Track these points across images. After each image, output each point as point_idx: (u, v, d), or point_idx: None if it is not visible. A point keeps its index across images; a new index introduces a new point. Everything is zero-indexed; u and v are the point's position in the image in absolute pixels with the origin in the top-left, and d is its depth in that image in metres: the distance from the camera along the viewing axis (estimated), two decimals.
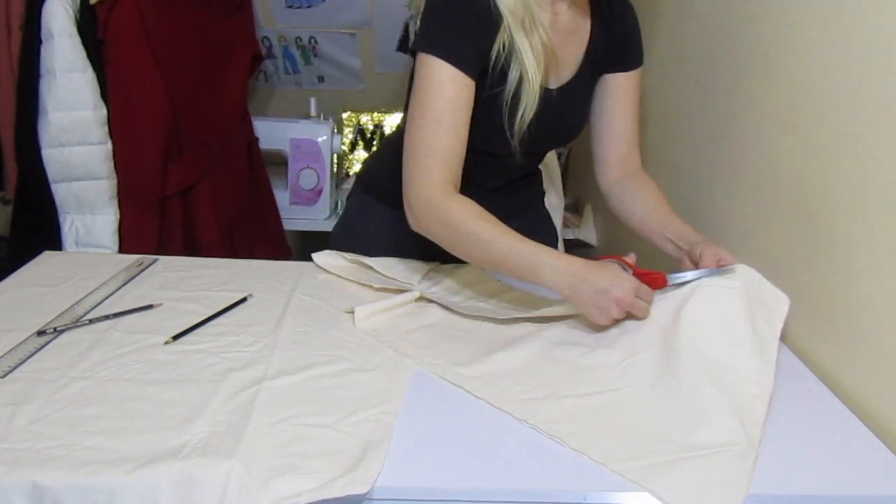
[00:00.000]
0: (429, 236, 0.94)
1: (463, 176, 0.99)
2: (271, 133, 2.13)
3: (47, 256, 1.15)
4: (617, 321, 0.89)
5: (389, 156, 1.18)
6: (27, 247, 1.21)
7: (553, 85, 1.03)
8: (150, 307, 0.98)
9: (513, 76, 0.95)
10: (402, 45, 2.39)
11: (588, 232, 2.12)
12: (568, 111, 1.06)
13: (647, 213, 1.07)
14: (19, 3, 1.43)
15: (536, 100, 0.95)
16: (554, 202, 1.81)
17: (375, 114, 2.49)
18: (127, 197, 1.54)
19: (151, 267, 1.12)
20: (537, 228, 1.28)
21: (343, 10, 2.29)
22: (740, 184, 1.17)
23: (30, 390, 0.77)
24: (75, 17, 1.39)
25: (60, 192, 1.49)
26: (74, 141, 1.44)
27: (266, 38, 2.38)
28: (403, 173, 0.94)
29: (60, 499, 0.64)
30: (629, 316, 0.89)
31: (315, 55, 2.44)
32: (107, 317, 0.94)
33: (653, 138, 1.64)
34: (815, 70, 0.97)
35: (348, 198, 1.32)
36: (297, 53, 2.44)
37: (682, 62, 1.48)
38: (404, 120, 1.16)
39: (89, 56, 1.42)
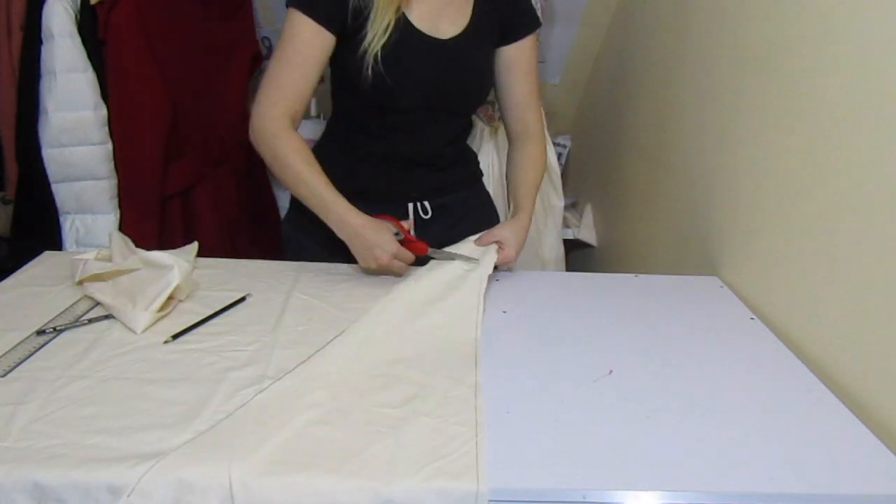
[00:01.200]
0: (261, 156, 1.09)
1: (377, 145, 1.15)
2: None
3: (47, 256, 1.15)
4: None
5: (325, 141, 1.26)
6: (27, 247, 1.21)
7: (445, 36, 1.10)
8: None
9: (372, 11, 1.04)
10: None
11: (588, 232, 2.13)
12: (463, 63, 1.13)
13: (511, 174, 1.24)
14: (20, 3, 1.43)
15: (390, 30, 1.04)
16: (554, 202, 1.82)
17: None
18: (127, 197, 1.54)
19: None
20: (472, 205, 1.29)
21: None
22: (740, 184, 1.18)
23: (30, 389, 0.78)
24: (76, 17, 1.39)
25: (61, 192, 1.49)
26: (75, 141, 1.44)
27: (266, 38, 2.38)
28: (256, 101, 1.07)
29: (62, 497, 0.65)
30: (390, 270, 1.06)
31: None
32: (106, 316, 0.94)
33: (653, 138, 1.65)
34: (814, 70, 0.97)
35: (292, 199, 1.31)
36: None
37: (681, 62, 1.48)
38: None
39: (90, 56, 1.42)
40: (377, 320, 0.95)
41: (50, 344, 0.88)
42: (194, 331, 0.93)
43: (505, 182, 1.25)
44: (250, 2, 2.05)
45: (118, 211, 1.53)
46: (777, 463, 0.71)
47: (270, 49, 2.40)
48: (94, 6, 1.41)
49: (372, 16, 1.03)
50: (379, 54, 1.04)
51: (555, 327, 0.98)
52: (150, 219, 1.60)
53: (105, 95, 1.46)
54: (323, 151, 1.20)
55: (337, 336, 0.91)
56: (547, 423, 0.77)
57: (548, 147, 1.77)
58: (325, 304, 1.02)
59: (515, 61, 1.17)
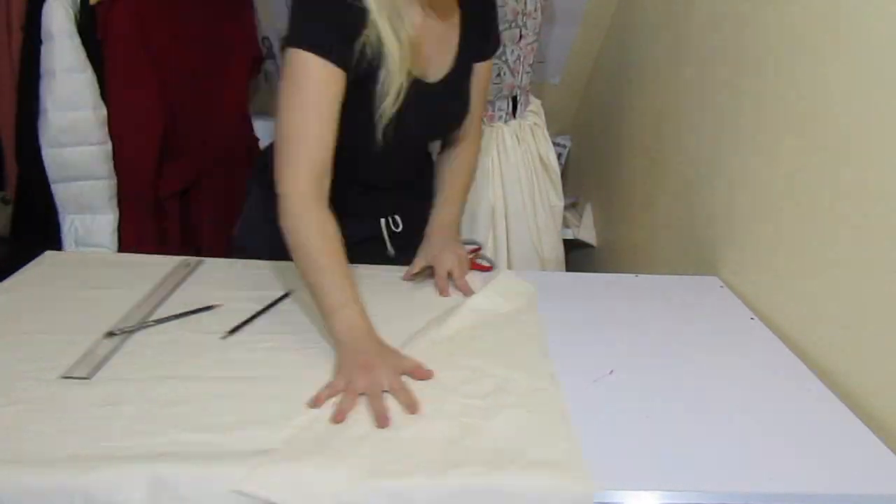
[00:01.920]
0: (282, 228, 0.94)
1: (355, 175, 1.05)
2: (271, 133, 2.12)
3: (48, 256, 1.15)
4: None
5: None
6: (27, 247, 1.21)
7: (432, 79, 1.05)
8: (210, 308, 0.98)
9: (383, 72, 0.96)
10: None
11: (588, 232, 2.12)
12: (451, 102, 1.11)
13: (447, 172, 1.20)
14: (20, 3, 1.43)
15: (402, 94, 0.98)
16: (554, 202, 1.82)
17: None
18: (126, 197, 1.55)
19: (199, 268, 1.13)
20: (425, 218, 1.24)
21: None
22: (740, 184, 1.18)
23: (119, 391, 0.78)
24: (75, 17, 1.39)
25: (60, 192, 1.49)
26: (74, 141, 1.44)
27: (266, 38, 2.38)
28: (276, 163, 0.94)
29: (182, 493, 0.65)
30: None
31: None
32: (175, 316, 0.95)
33: (653, 139, 1.65)
34: (814, 70, 0.97)
35: (248, 193, 1.29)
36: None
37: (681, 62, 1.48)
38: None
39: (89, 56, 1.42)
40: (442, 325, 0.95)
41: (125, 346, 0.88)
42: (246, 329, 0.94)
43: (443, 169, 1.21)
44: (251, 2, 2.05)
45: (117, 211, 1.54)
46: (777, 463, 0.71)
47: (271, 49, 2.40)
48: (93, 6, 1.41)
49: (385, 79, 0.96)
50: (395, 113, 0.99)
51: (555, 327, 0.98)
52: (149, 219, 1.60)
53: (104, 95, 1.46)
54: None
55: (409, 339, 0.92)
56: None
57: (548, 147, 1.78)
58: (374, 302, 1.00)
59: (479, 77, 1.15)
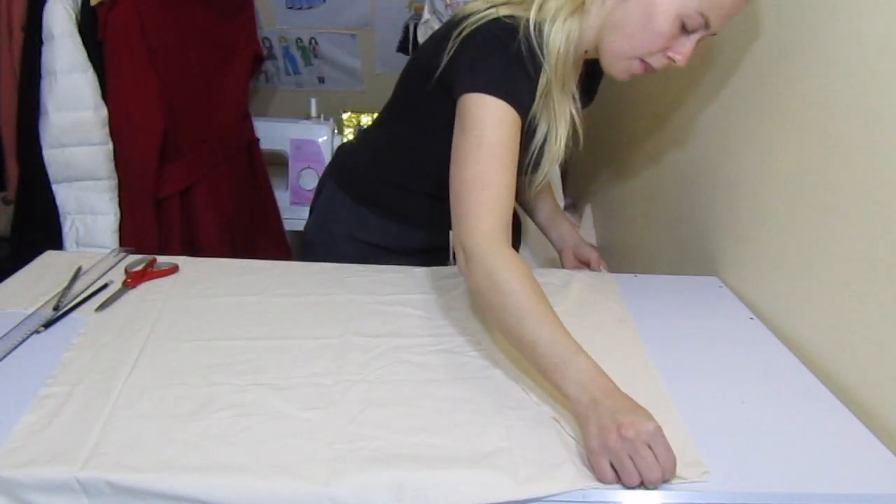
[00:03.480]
0: (469, 282, 0.86)
1: (429, 185, 1.10)
2: (272, 133, 2.13)
3: (49, 256, 1.15)
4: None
5: (367, 156, 1.23)
6: (28, 247, 1.21)
7: None
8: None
9: (540, 133, 0.96)
10: (403, 46, 2.39)
11: (588, 232, 2.13)
12: None
13: (546, 214, 1.33)
14: (21, 4, 1.43)
15: (559, 160, 0.98)
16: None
17: (375, 114, 2.47)
18: (126, 197, 1.55)
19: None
20: None
21: (343, 11, 2.30)
22: (740, 184, 1.18)
23: (319, 395, 0.78)
24: (76, 18, 1.40)
25: (61, 192, 1.49)
26: (75, 141, 1.44)
27: (267, 38, 2.39)
28: (454, 211, 0.88)
29: (425, 496, 0.65)
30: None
31: (315, 56, 2.44)
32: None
33: (653, 138, 1.65)
34: (815, 70, 0.97)
35: (318, 191, 1.30)
36: (297, 54, 2.45)
37: None
38: (381, 118, 1.20)
39: (90, 57, 1.42)
40: None
41: (306, 350, 0.88)
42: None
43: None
44: (252, 2, 2.05)
45: (118, 211, 1.54)
46: (777, 463, 0.71)
47: (270, 50, 2.41)
48: (94, 7, 1.41)
49: (554, 122, 0.95)
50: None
51: None
52: (150, 219, 1.60)
53: (105, 96, 1.46)
54: (360, 162, 1.22)
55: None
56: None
57: None
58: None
59: None
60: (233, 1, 1.94)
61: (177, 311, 0.96)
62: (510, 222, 0.87)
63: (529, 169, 1.00)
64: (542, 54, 0.91)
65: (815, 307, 0.94)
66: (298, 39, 2.39)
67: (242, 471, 0.66)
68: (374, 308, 0.99)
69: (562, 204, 1.85)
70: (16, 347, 0.85)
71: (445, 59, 0.93)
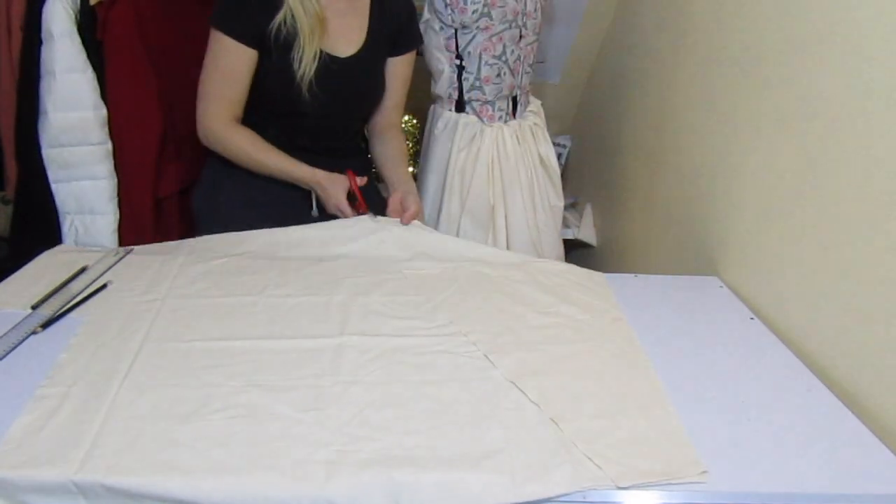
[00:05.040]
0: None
1: (292, 140, 1.28)
2: None
3: (48, 256, 1.15)
4: None
5: None
6: (27, 247, 1.21)
7: (342, 54, 1.25)
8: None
9: (297, 43, 1.17)
10: None
11: (587, 232, 2.12)
12: (359, 78, 1.29)
13: (385, 159, 1.40)
14: (20, 3, 1.43)
15: (315, 62, 1.19)
16: (554, 202, 1.81)
17: None
18: (125, 197, 1.55)
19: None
20: (364, 189, 1.36)
21: None
22: (740, 184, 1.17)
23: (316, 397, 0.78)
24: (76, 17, 1.39)
25: (60, 192, 1.49)
26: (75, 141, 1.44)
27: None
28: (197, 113, 1.23)
29: (422, 499, 0.65)
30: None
31: None
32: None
33: (653, 138, 1.64)
34: (814, 70, 0.97)
35: (202, 172, 1.46)
36: None
37: (681, 62, 1.48)
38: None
39: (89, 56, 1.42)
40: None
41: (310, 353, 0.89)
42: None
43: (384, 161, 1.41)
44: None
45: (118, 211, 1.54)
46: (777, 463, 0.71)
47: None
48: (94, 6, 1.41)
49: (300, 46, 1.17)
50: (312, 80, 1.19)
51: None
52: (149, 219, 1.60)
53: (105, 96, 1.46)
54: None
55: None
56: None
57: (548, 147, 1.78)
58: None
59: (398, 72, 1.35)
60: None
61: (174, 312, 0.96)
62: (237, 114, 1.24)
63: (300, 62, 1.18)
64: None
65: (816, 307, 0.94)
66: None
67: (238, 473, 0.66)
68: (371, 309, 0.99)
69: (561, 204, 1.84)
70: (14, 348, 0.85)
71: None
